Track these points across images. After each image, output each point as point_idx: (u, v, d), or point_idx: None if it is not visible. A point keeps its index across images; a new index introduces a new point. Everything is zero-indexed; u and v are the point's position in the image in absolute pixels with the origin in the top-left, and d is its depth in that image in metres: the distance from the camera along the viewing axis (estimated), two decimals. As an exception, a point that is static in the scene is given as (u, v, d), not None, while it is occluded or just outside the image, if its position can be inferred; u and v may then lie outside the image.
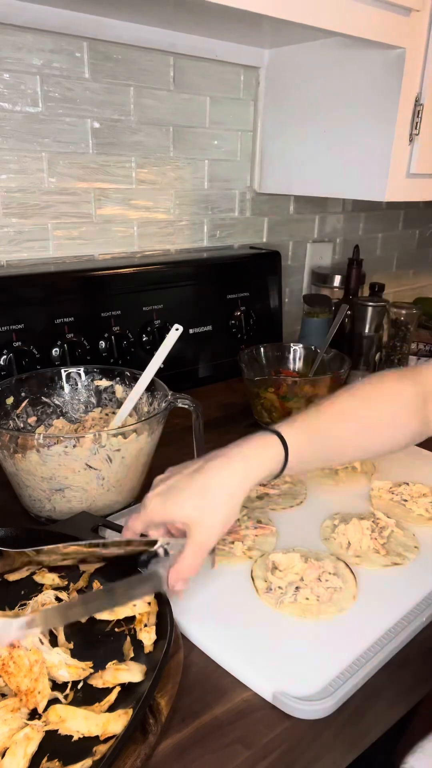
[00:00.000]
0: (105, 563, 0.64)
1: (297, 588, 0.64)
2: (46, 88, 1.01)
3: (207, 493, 0.57)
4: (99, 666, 0.53)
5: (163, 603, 0.57)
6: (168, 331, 0.81)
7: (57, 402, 0.89)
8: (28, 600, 0.60)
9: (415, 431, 0.70)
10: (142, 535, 0.62)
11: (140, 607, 0.57)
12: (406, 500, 0.82)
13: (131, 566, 0.62)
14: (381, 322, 1.29)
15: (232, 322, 1.27)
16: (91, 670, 0.53)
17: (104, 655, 0.54)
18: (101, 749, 0.45)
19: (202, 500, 0.57)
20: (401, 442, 0.71)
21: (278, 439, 0.62)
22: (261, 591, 0.64)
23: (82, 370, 0.90)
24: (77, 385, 0.90)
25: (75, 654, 0.54)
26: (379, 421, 0.69)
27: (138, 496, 0.81)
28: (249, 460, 0.60)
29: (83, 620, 0.57)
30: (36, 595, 0.59)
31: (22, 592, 0.61)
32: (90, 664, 0.53)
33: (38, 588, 0.62)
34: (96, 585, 0.60)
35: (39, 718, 0.48)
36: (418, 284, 1.98)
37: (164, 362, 0.81)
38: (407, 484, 0.84)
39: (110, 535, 0.69)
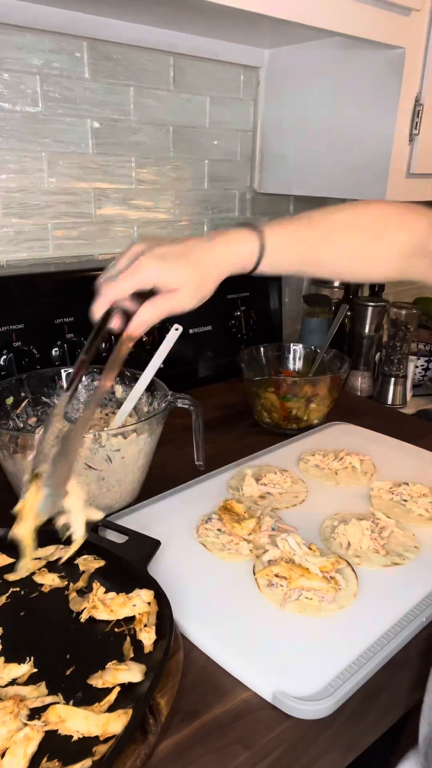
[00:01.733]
0: (105, 563, 0.64)
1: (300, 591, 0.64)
2: (46, 88, 1.01)
3: (201, 268, 0.61)
4: (99, 666, 0.53)
5: (163, 603, 0.57)
6: (168, 331, 0.81)
7: (57, 402, 0.89)
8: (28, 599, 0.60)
9: (412, 262, 0.69)
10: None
11: (140, 607, 0.57)
12: (406, 500, 0.82)
13: (131, 566, 0.62)
14: (381, 322, 1.29)
15: (232, 322, 1.27)
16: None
17: (104, 655, 0.54)
18: (101, 749, 0.45)
19: (198, 272, 0.61)
20: (394, 268, 0.70)
21: (258, 240, 0.63)
22: (263, 586, 0.64)
23: (82, 370, 0.90)
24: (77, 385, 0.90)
25: (74, 654, 0.54)
26: (375, 245, 0.68)
27: (138, 497, 0.81)
28: (231, 246, 0.63)
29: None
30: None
31: (22, 593, 0.61)
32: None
33: (38, 588, 0.62)
34: (96, 585, 0.60)
35: (38, 719, 0.48)
36: (418, 284, 1.98)
37: (164, 362, 0.81)
38: (407, 484, 0.84)
39: (110, 535, 0.69)
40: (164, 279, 0.60)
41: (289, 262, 0.67)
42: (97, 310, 0.62)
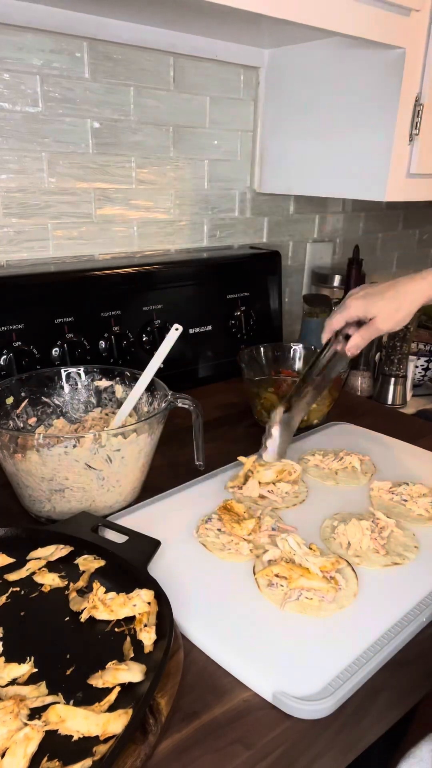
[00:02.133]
0: (105, 563, 0.65)
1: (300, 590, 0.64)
2: (46, 88, 1.01)
3: (398, 297, 0.82)
4: (99, 666, 0.53)
5: (163, 603, 0.57)
6: (168, 331, 0.81)
7: (57, 402, 0.89)
8: (28, 597, 0.60)
9: None
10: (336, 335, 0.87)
11: (140, 606, 0.57)
12: (406, 500, 0.82)
13: (131, 566, 0.62)
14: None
15: (232, 322, 1.27)
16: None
17: (104, 655, 0.54)
18: (101, 749, 0.45)
19: (392, 302, 0.82)
20: None
21: None
22: (263, 586, 0.64)
23: (82, 370, 0.90)
24: (77, 385, 0.90)
25: (75, 654, 0.54)
26: None
27: (138, 497, 0.81)
28: (422, 283, 0.82)
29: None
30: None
31: (22, 593, 0.61)
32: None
33: (38, 588, 0.62)
34: (96, 585, 0.60)
35: (39, 719, 0.48)
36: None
37: (164, 362, 0.81)
38: (407, 484, 0.84)
39: (110, 535, 0.69)
40: (362, 311, 0.83)
41: None
42: (324, 338, 0.88)
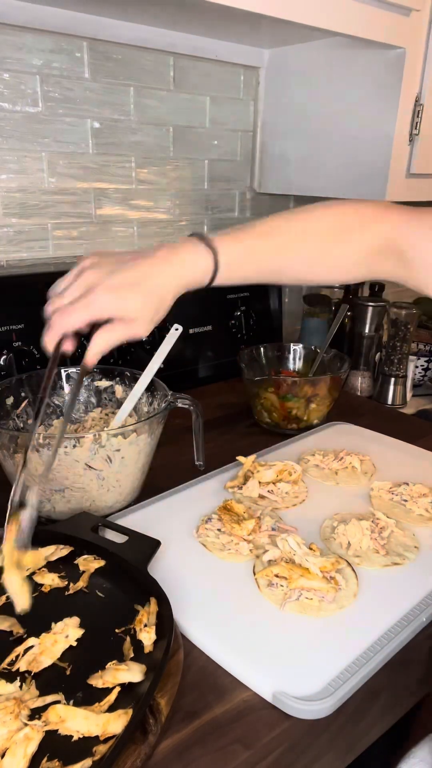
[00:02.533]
0: (105, 563, 0.64)
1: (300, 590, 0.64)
2: (46, 88, 1.01)
3: (156, 294, 0.60)
4: (99, 666, 0.53)
5: (163, 603, 0.57)
6: (168, 331, 0.81)
7: (57, 402, 0.89)
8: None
9: (379, 262, 0.67)
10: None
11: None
12: (406, 500, 0.82)
13: (131, 566, 0.62)
14: (381, 322, 1.29)
15: (232, 322, 1.27)
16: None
17: (104, 655, 0.54)
18: (101, 749, 0.45)
19: (153, 300, 0.60)
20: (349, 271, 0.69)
21: (210, 256, 0.62)
22: (263, 586, 0.64)
23: (82, 370, 0.90)
24: (77, 385, 0.90)
25: (74, 655, 0.54)
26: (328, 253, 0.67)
27: (138, 497, 0.81)
28: (183, 266, 0.62)
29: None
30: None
31: (22, 592, 0.61)
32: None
33: (38, 588, 0.62)
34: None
35: (39, 719, 0.48)
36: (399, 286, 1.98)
37: (164, 362, 0.81)
38: (407, 484, 0.84)
39: (110, 535, 0.69)
40: (119, 311, 0.59)
41: (246, 275, 0.66)
42: (49, 343, 0.60)
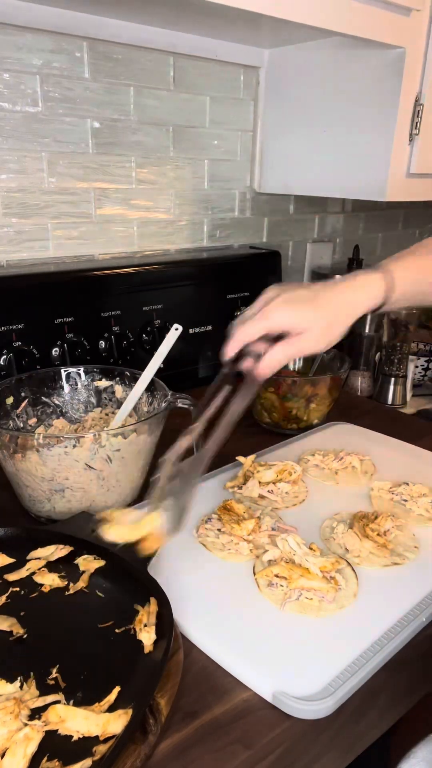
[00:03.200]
0: (105, 563, 0.64)
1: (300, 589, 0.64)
2: (46, 88, 1.01)
3: (329, 311, 0.65)
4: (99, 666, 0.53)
5: (163, 603, 0.57)
6: (168, 331, 0.81)
7: (57, 402, 0.89)
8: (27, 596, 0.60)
9: None
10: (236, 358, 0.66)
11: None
12: (406, 500, 0.82)
13: (131, 566, 0.62)
14: (381, 322, 1.29)
15: (232, 322, 1.27)
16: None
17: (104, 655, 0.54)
18: (101, 749, 0.45)
19: (325, 316, 0.65)
20: None
21: (383, 282, 0.68)
22: (263, 586, 0.64)
23: (82, 370, 0.90)
24: (77, 385, 0.90)
25: (76, 656, 0.54)
26: None
27: (138, 497, 0.81)
28: (358, 292, 0.68)
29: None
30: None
31: (22, 593, 0.61)
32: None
33: (38, 588, 0.62)
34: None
35: (38, 719, 0.48)
36: None
37: (164, 362, 0.81)
38: (407, 484, 0.84)
39: (110, 535, 0.69)
40: (292, 322, 0.64)
41: (417, 297, 0.72)
42: (230, 351, 0.66)
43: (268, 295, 0.66)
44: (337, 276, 0.70)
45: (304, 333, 0.64)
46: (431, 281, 0.71)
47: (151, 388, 0.83)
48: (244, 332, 0.65)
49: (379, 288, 0.68)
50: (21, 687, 0.50)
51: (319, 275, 1.52)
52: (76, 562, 0.65)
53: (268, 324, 0.64)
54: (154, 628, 0.55)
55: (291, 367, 1.17)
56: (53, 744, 0.46)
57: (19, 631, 0.56)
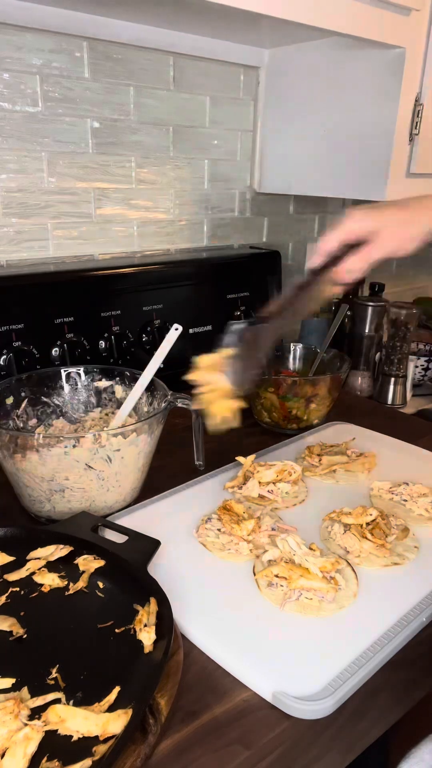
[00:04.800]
0: (105, 563, 0.64)
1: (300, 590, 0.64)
2: (45, 87, 1.01)
3: (405, 209, 0.65)
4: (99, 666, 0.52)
5: (162, 603, 0.57)
6: (168, 330, 0.81)
7: (57, 402, 0.89)
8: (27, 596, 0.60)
9: None
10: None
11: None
12: (406, 500, 0.82)
13: (131, 566, 0.62)
14: (381, 322, 1.29)
15: (232, 321, 1.27)
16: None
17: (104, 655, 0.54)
18: (101, 749, 0.45)
19: (398, 213, 0.65)
20: None
21: None
22: (263, 586, 0.64)
23: (81, 370, 0.90)
24: (77, 385, 0.90)
25: (76, 656, 0.54)
26: None
27: (138, 497, 0.81)
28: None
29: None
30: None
31: (22, 593, 0.61)
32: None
33: (38, 588, 0.62)
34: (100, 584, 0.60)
35: (38, 719, 0.48)
36: (418, 284, 1.98)
37: (164, 362, 0.81)
38: (407, 484, 0.84)
39: (110, 535, 0.69)
40: (367, 224, 0.64)
41: None
42: (315, 261, 0.67)
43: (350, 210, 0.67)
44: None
45: (380, 233, 0.64)
46: None
47: (151, 388, 0.83)
48: (325, 242, 0.65)
49: None
50: (21, 687, 0.50)
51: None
52: (75, 562, 0.65)
53: (345, 228, 0.65)
54: (154, 628, 0.55)
55: (291, 367, 1.17)
56: (53, 744, 0.46)
57: (19, 631, 0.56)
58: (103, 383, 0.90)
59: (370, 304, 1.29)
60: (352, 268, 0.65)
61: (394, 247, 0.65)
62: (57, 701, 0.49)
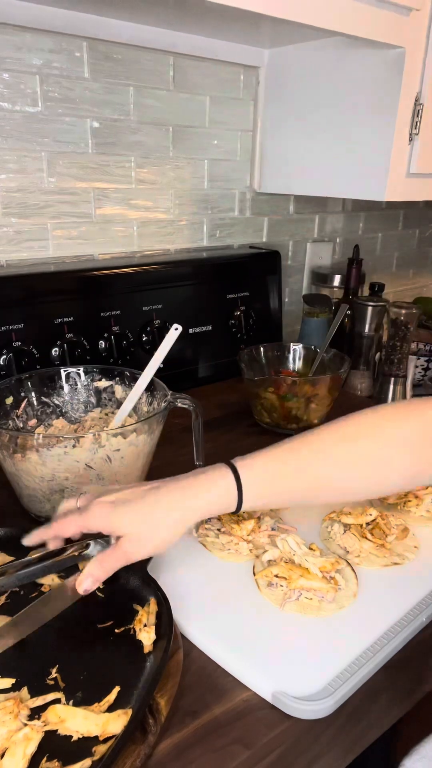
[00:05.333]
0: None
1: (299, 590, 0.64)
2: (45, 87, 1.01)
3: (153, 512, 0.56)
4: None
5: (162, 603, 0.57)
6: (168, 330, 0.81)
7: (57, 402, 0.89)
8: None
9: (414, 474, 0.62)
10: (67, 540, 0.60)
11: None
12: (407, 500, 0.81)
13: (131, 566, 0.62)
14: (381, 322, 1.29)
15: (232, 322, 1.27)
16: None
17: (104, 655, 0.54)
18: (101, 749, 0.45)
19: (146, 518, 0.56)
20: (392, 484, 0.63)
21: (233, 477, 0.59)
22: (262, 586, 0.64)
23: (81, 370, 0.90)
24: (77, 385, 0.90)
25: (76, 656, 0.54)
26: (363, 459, 0.61)
27: (138, 496, 0.81)
28: (199, 497, 0.58)
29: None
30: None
31: (22, 593, 0.61)
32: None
33: (38, 588, 0.62)
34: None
35: (38, 719, 0.48)
36: (418, 284, 1.98)
37: (164, 362, 0.81)
38: (407, 484, 0.84)
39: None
40: (106, 524, 0.56)
41: (276, 492, 0.62)
42: (31, 539, 0.60)
43: (97, 490, 0.60)
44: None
45: (122, 539, 0.56)
46: (298, 483, 0.62)
47: (150, 388, 0.83)
48: (58, 525, 0.58)
49: (226, 494, 0.58)
50: (21, 687, 0.50)
51: (319, 275, 1.52)
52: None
53: (82, 524, 0.57)
54: (153, 628, 0.55)
55: (291, 367, 1.17)
56: (53, 744, 0.46)
57: (18, 631, 0.56)
58: (103, 383, 0.90)
59: (370, 304, 1.29)
60: (92, 577, 0.56)
61: (138, 554, 0.57)
62: (57, 701, 0.49)
